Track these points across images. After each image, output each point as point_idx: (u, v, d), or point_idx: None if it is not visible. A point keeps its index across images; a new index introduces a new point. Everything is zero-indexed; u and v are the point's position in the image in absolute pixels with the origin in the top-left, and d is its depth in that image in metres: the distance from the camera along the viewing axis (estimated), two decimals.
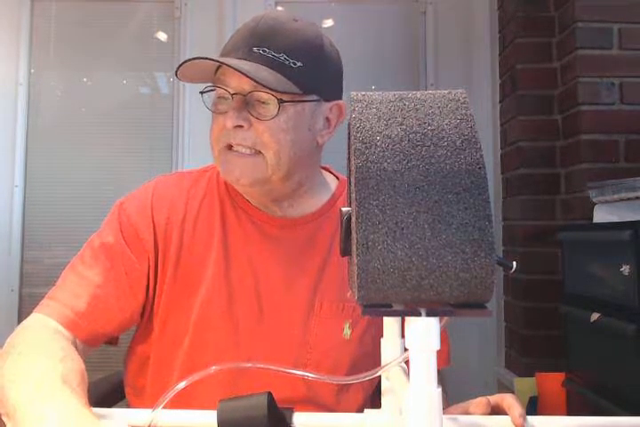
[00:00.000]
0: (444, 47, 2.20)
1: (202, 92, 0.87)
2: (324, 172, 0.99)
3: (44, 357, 0.70)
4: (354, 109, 0.46)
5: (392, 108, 0.46)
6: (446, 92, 0.47)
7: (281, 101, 0.81)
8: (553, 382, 1.58)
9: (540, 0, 1.92)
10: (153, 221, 0.89)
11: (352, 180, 0.45)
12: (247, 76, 0.77)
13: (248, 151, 0.83)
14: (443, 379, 0.96)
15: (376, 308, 0.42)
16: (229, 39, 0.86)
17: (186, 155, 2.17)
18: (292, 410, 0.66)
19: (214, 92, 0.86)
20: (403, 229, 0.41)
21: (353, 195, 0.43)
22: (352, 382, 0.59)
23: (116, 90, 2.24)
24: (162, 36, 2.26)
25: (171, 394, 0.60)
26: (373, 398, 0.93)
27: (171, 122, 2.20)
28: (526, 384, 1.71)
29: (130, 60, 2.25)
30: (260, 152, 0.83)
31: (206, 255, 0.89)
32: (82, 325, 0.83)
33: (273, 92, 0.80)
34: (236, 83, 0.82)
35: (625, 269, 1.21)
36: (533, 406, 1.66)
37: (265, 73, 0.79)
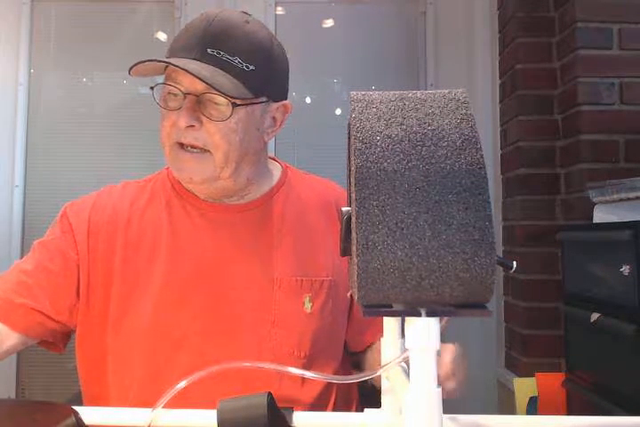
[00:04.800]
0: (444, 47, 2.20)
1: (152, 88, 0.89)
2: (269, 160, 1.02)
3: None
4: (354, 109, 0.46)
5: (392, 108, 0.46)
6: (446, 91, 0.47)
7: (234, 105, 0.83)
8: (553, 382, 1.57)
9: (540, 0, 1.92)
10: (89, 224, 0.92)
11: (352, 180, 0.45)
12: (206, 83, 0.79)
13: (198, 151, 0.86)
14: None
15: (376, 308, 0.42)
16: (179, 36, 0.88)
17: None
18: (291, 410, 0.66)
19: (162, 86, 0.88)
20: (403, 229, 0.41)
21: (353, 195, 0.43)
22: (352, 381, 0.59)
23: (115, 90, 2.24)
24: (162, 36, 2.25)
25: (171, 394, 0.61)
26: (345, 368, 0.97)
27: None
28: (526, 384, 1.71)
29: (130, 60, 2.24)
30: (208, 151, 0.85)
31: (155, 251, 0.91)
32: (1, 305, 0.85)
33: (227, 96, 0.82)
34: (189, 82, 0.83)
35: (625, 269, 1.21)
36: (533, 406, 1.66)
37: (221, 78, 0.81)
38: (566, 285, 1.51)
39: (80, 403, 0.69)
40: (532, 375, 1.69)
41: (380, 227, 0.41)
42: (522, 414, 1.64)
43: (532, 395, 1.68)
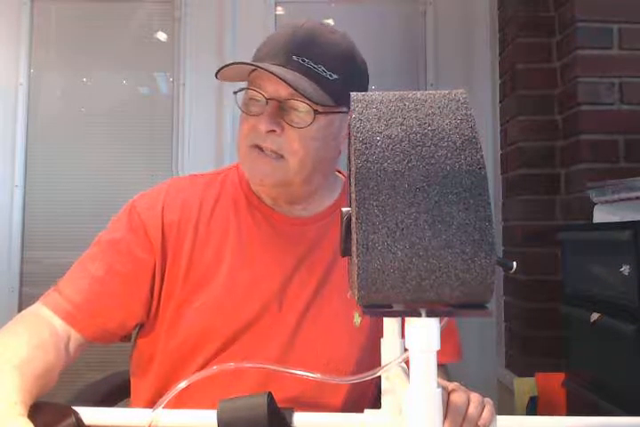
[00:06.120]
0: (443, 47, 2.20)
1: (235, 93, 0.89)
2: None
3: (13, 339, 0.74)
4: (354, 109, 0.46)
5: (392, 108, 0.46)
6: (446, 92, 0.47)
7: (316, 112, 0.83)
8: (553, 382, 1.57)
9: (539, 0, 1.92)
10: (162, 221, 0.90)
11: (352, 180, 0.45)
12: (291, 86, 0.79)
13: (274, 155, 0.85)
14: (447, 374, 0.96)
15: (376, 308, 0.42)
16: (265, 44, 0.89)
17: (186, 155, 2.17)
18: (292, 410, 0.66)
19: (245, 91, 0.88)
20: (403, 229, 0.41)
21: (353, 195, 0.43)
22: (351, 381, 0.59)
23: (115, 90, 2.24)
24: (162, 36, 2.25)
25: (172, 394, 0.61)
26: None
27: (170, 122, 2.20)
28: (526, 384, 1.71)
29: (130, 60, 2.25)
30: (284, 156, 0.85)
31: (220, 254, 0.90)
32: (79, 318, 0.84)
33: (309, 102, 0.82)
34: (273, 88, 0.83)
35: (625, 269, 1.20)
36: (533, 406, 1.66)
37: (305, 83, 0.82)
38: (566, 285, 1.51)
39: (80, 403, 0.69)
40: (532, 375, 1.69)
41: (380, 227, 0.41)
42: (522, 415, 1.64)
43: (531, 395, 1.68)
